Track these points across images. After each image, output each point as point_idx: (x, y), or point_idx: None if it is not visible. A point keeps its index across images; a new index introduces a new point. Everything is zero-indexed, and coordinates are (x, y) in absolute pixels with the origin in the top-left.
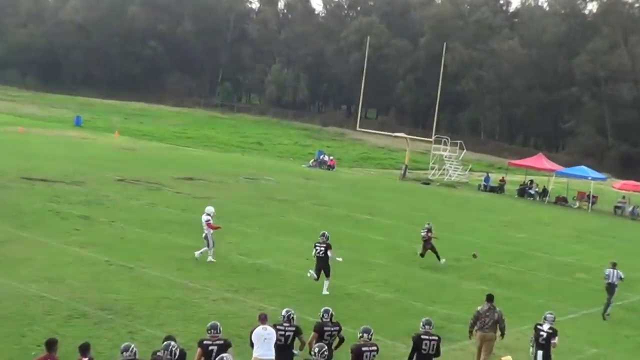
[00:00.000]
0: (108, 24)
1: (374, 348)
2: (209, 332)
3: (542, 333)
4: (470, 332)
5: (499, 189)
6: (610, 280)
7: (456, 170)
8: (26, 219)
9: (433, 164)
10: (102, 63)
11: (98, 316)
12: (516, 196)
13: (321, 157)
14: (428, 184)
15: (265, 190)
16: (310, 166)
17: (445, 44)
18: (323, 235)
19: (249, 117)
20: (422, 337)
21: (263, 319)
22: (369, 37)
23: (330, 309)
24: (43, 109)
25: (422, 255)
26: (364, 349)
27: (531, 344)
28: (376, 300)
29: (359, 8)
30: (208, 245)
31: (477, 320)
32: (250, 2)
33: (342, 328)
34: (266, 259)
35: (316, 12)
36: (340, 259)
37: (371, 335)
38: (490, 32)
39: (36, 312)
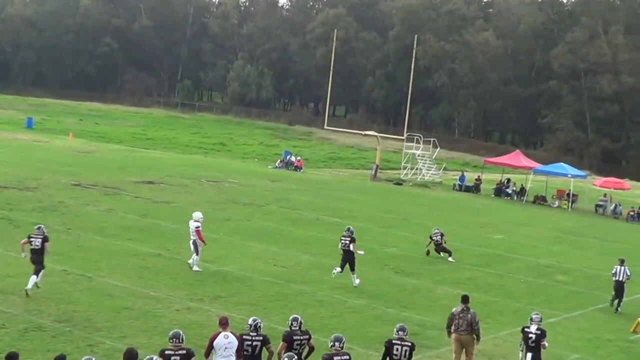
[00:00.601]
0: (59, 19)
1: (346, 357)
2: (171, 341)
3: (530, 335)
4: (448, 332)
5: (474, 188)
6: (617, 278)
7: (429, 170)
8: None
9: (405, 163)
10: (53, 61)
11: (55, 329)
12: (493, 196)
13: (288, 157)
14: (400, 184)
15: (230, 194)
16: (276, 167)
17: (416, 36)
18: (348, 229)
19: (210, 117)
20: (394, 342)
21: (224, 325)
22: (335, 30)
23: (299, 317)
24: None
25: (427, 253)
26: (335, 358)
27: (520, 349)
28: (348, 307)
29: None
30: (197, 253)
31: (451, 322)
32: None
33: (312, 336)
34: (231, 265)
35: (280, 5)
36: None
37: (343, 343)
38: (463, 23)
39: None
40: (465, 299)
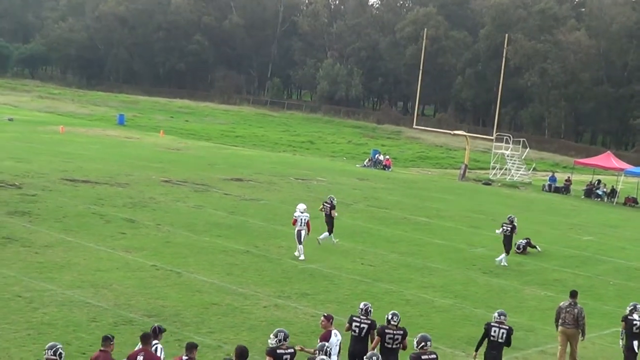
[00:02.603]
0: (151, 16)
1: (433, 357)
2: (279, 341)
3: (635, 322)
4: (557, 326)
5: (564, 189)
6: None
7: (519, 170)
8: (70, 222)
9: (494, 163)
10: (145, 58)
11: (145, 323)
12: (583, 197)
13: (376, 156)
14: (489, 184)
15: (318, 192)
16: (364, 166)
17: (507, 35)
18: (509, 217)
19: (299, 115)
20: (492, 325)
21: (332, 322)
22: (425, 29)
23: (399, 314)
24: (84, 107)
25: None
26: (423, 357)
27: (621, 337)
28: (435, 307)
29: None
30: (301, 242)
31: (558, 316)
32: None
33: (407, 333)
34: (319, 263)
35: (370, 3)
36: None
37: (430, 343)
38: (555, 23)
39: (81, 319)
40: (574, 294)
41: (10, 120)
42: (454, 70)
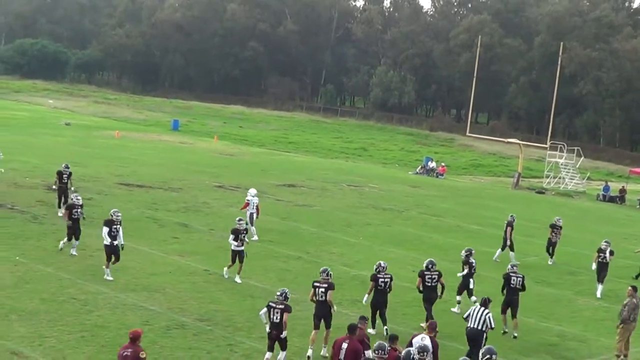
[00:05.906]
0: (207, 23)
1: None
2: (377, 352)
3: None
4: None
5: (619, 199)
6: None
7: (573, 179)
8: (124, 226)
9: (548, 172)
10: (200, 64)
11: (197, 327)
12: (638, 207)
13: (429, 163)
14: (542, 193)
15: (370, 199)
16: (417, 173)
17: (562, 43)
18: (607, 242)
19: (352, 122)
20: (511, 274)
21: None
22: (480, 37)
23: (434, 261)
24: (139, 113)
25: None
26: None
27: None
28: None
29: (469, 5)
30: (252, 224)
31: (631, 313)
32: (355, 0)
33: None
34: (370, 270)
35: (424, 10)
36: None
37: (495, 357)
38: (611, 31)
39: (134, 322)
40: (637, 289)
41: (68, 124)
42: (508, 78)
